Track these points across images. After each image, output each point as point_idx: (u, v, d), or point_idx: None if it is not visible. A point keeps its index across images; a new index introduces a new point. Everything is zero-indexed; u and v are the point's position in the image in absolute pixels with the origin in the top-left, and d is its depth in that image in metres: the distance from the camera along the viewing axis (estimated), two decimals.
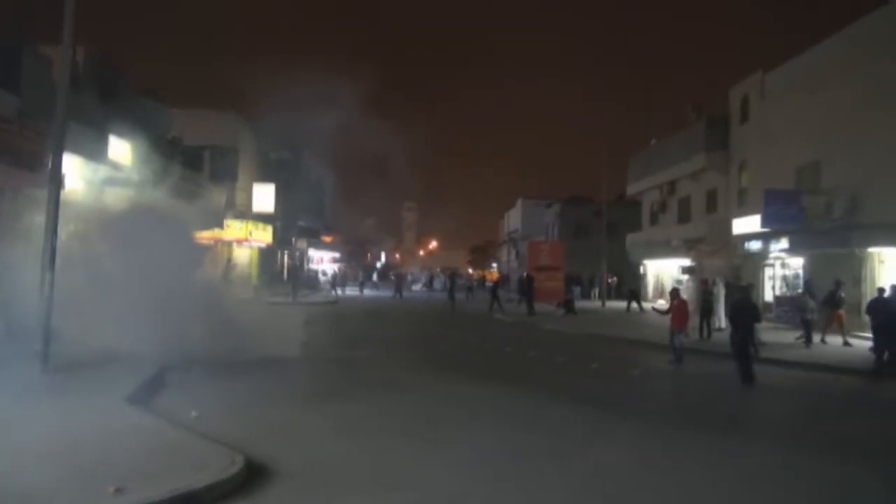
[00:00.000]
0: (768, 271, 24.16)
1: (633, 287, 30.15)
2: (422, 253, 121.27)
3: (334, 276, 35.11)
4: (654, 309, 16.78)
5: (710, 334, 17.34)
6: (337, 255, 53.25)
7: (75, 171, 14.40)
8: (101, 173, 15.35)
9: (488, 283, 50.08)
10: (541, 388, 11.04)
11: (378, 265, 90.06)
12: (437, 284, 50.85)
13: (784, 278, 23.47)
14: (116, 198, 13.78)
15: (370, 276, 46.95)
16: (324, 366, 12.50)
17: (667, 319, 13.98)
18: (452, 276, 37.69)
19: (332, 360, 13.20)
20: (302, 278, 42.32)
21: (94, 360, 10.45)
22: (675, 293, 14.25)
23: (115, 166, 15.20)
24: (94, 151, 14.35)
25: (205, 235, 19.41)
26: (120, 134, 15.46)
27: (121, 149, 15.52)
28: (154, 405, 8.61)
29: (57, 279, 10.95)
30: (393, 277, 46.50)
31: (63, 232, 11.97)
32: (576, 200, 48.65)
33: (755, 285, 20.22)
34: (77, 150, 13.44)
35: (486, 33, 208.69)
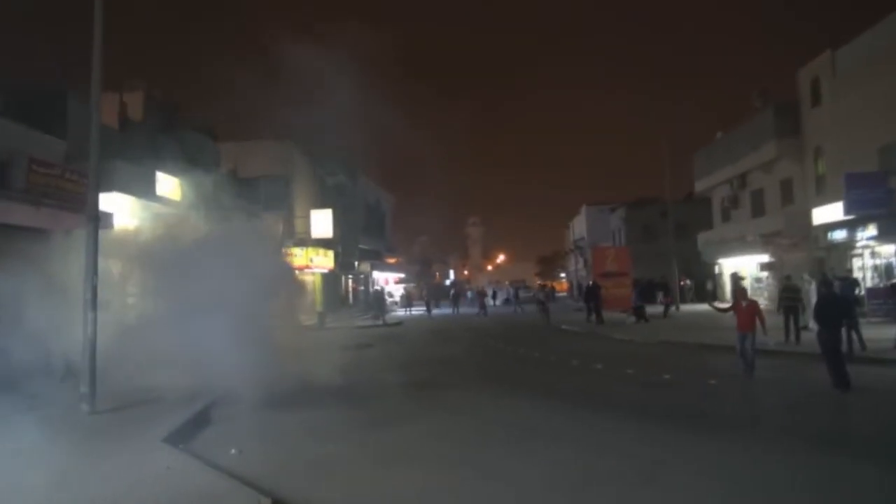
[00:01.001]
0: (857, 262, 22.40)
1: (667, 284, 28.71)
2: (490, 268, 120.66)
3: (378, 294, 34.94)
4: (712, 306, 15.47)
5: (798, 335, 15.91)
6: (402, 275, 53.23)
7: (127, 209, 14.49)
8: (152, 210, 15.43)
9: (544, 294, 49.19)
10: (608, 404, 10.23)
11: (447, 282, 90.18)
12: (500, 297, 50.18)
13: (875, 268, 21.67)
14: (170, 231, 13.73)
15: (437, 294, 46.49)
16: (378, 391, 12.00)
17: (732, 319, 12.75)
18: (517, 288, 37.26)
19: (388, 384, 12.68)
20: (367, 300, 42.48)
21: (145, 398, 10.27)
22: (741, 293, 13.04)
23: (165, 202, 15.27)
24: (142, 189, 14.43)
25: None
26: (167, 170, 15.55)
27: (168, 184, 15.62)
28: (195, 443, 8.29)
29: (109, 316, 10.92)
30: (473, 293, 45.94)
31: (115, 268, 12.04)
32: (641, 203, 47.24)
33: (857, 279, 18.57)
34: (125, 189, 13.50)
35: (535, 38, 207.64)
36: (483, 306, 38.27)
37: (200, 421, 9.53)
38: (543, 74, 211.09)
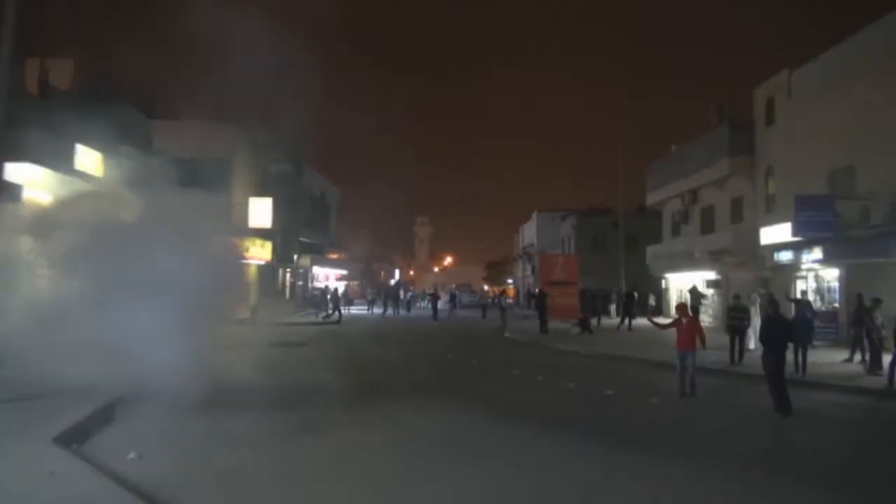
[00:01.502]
0: (801, 283, 22.88)
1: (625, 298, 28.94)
2: (436, 269, 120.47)
3: (333, 293, 34.24)
4: (650, 321, 15.40)
5: (741, 356, 16.01)
6: (344, 272, 52.42)
7: (41, 182, 13.55)
8: (71, 185, 14.50)
9: (505, 300, 49.02)
10: (547, 419, 9.99)
11: (392, 282, 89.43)
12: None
13: (818, 291, 22.17)
14: (86, 207, 12.86)
15: (382, 293, 45.86)
16: (306, 395, 11.44)
17: (671, 336, 12.69)
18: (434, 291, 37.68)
19: (318, 388, 12.14)
20: (305, 297, 41.64)
21: (43, 390, 9.51)
22: (682, 308, 13.00)
23: (84, 177, 14.38)
24: (59, 161, 13.53)
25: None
26: (90, 143, 14.65)
27: (90, 159, 14.72)
28: (91, 444, 7.65)
29: (13, 298, 10.18)
30: (408, 294, 45.46)
31: (23, 245, 11.21)
32: (593, 212, 47.60)
33: (808, 300, 18.82)
34: (38, 160, 12.62)
35: (495, 39, 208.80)
36: (435, 310, 37.77)
37: (102, 418, 8.86)
38: (501, 72, 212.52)
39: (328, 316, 31.89)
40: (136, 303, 10.54)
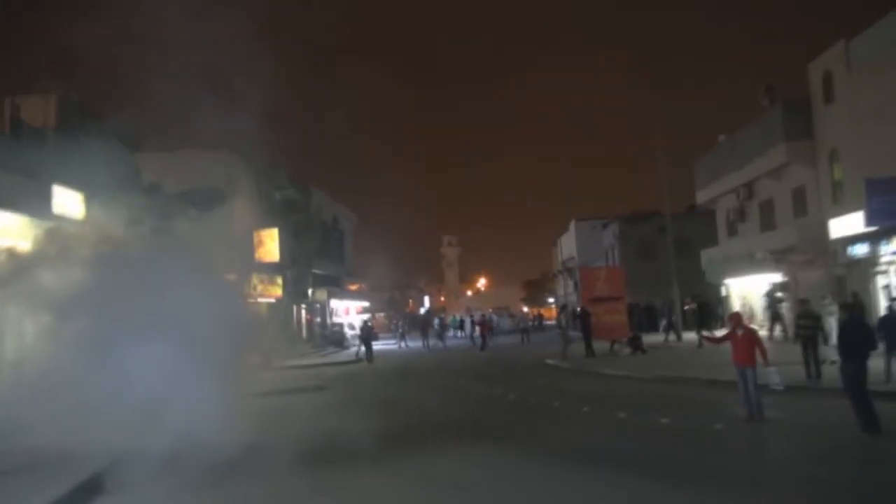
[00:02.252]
0: (881, 280, 22.10)
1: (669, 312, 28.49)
2: (469, 293, 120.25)
3: (363, 327, 33.96)
4: (702, 336, 14.85)
5: (819, 370, 15.35)
6: (366, 303, 52.46)
7: (17, 229, 13.60)
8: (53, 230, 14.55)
9: (529, 322, 48.53)
10: (595, 457, 9.66)
11: (422, 311, 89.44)
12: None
13: None
14: (66, 251, 12.90)
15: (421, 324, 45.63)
16: (325, 450, 11.19)
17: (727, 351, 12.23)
18: (482, 316, 37.04)
19: (338, 442, 11.88)
20: (324, 335, 41.62)
21: (26, 461, 9.41)
22: (736, 318, 12.51)
23: (64, 220, 14.41)
24: (34, 205, 13.58)
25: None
26: (69, 184, 14.73)
27: (70, 200, 14.78)
28: None
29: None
30: (438, 322, 45.15)
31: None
32: (637, 217, 47.07)
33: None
34: (10, 205, 12.66)
35: (522, 36, 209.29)
36: (484, 339, 36.64)
37: (89, 491, 8.66)
38: (527, 78, 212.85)
39: (361, 354, 31.60)
40: (132, 355, 10.53)
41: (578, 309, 29.55)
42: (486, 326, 37.63)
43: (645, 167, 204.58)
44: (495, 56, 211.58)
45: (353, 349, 38.11)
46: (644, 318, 29.24)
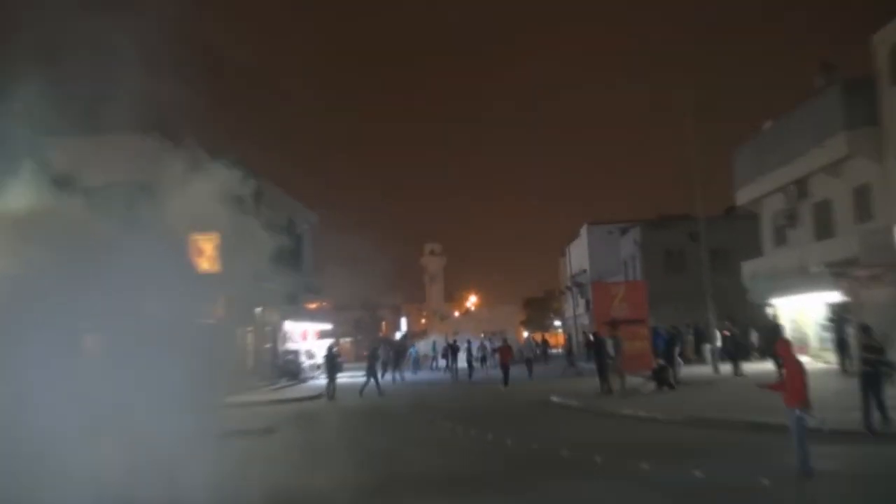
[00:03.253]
0: None
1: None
2: (457, 314, 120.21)
3: (329, 356, 33.69)
4: (765, 386, 14.26)
5: (884, 414, 15.17)
6: (328, 325, 52.24)
7: None
8: None
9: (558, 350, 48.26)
10: None
11: (398, 335, 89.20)
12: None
13: None
14: None
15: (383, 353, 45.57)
16: None
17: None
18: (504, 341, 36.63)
19: None
20: (275, 364, 41.33)
21: None
22: (784, 347, 12.37)
23: None
24: None
25: None
26: None
27: None
28: None
29: None
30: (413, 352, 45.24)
31: None
32: (663, 221, 47.24)
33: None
34: None
35: (519, 5, 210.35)
36: (506, 373, 34.56)
37: None
38: (526, 52, 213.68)
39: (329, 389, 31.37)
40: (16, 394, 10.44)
41: (591, 335, 29.46)
42: (508, 353, 35.83)
43: (673, 160, 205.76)
44: (489, 32, 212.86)
45: (315, 382, 37.90)
46: (677, 344, 29.07)
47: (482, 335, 64.04)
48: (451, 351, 43.89)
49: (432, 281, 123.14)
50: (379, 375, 39.81)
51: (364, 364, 46.24)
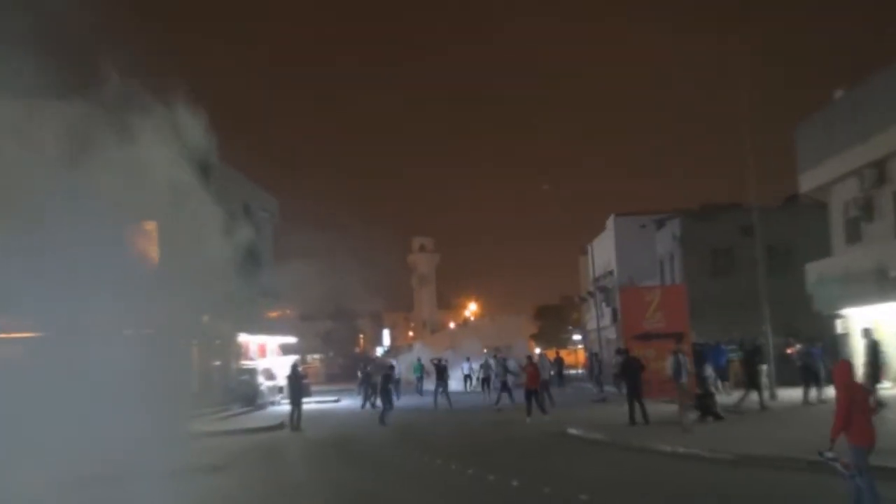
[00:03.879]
0: None
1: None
2: (452, 325, 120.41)
3: (292, 375, 33.59)
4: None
5: None
6: (291, 339, 52.25)
7: None
8: None
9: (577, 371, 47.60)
10: None
11: (378, 351, 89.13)
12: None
13: None
14: None
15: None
16: None
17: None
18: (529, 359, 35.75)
19: None
20: (227, 386, 41.20)
21: None
22: (843, 372, 12.16)
23: None
24: None
25: None
26: None
27: None
28: None
29: None
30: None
31: None
32: (709, 212, 47.14)
33: None
34: None
35: None
36: (538, 394, 34.79)
37: None
38: (529, 24, 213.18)
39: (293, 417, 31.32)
40: None
41: (619, 349, 29.43)
42: (535, 374, 34.77)
43: (719, 139, 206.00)
44: None
45: (275, 408, 37.76)
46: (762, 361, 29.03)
47: (485, 351, 63.99)
48: (438, 372, 43.07)
49: (422, 283, 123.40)
50: (372, 398, 39.96)
51: (340, 385, 46.28)
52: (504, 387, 37.92)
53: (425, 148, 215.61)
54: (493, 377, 44.44)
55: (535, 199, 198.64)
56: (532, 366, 34.00)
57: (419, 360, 54.80)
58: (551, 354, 62.58)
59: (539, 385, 32.81)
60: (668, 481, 16.55)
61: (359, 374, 47.62)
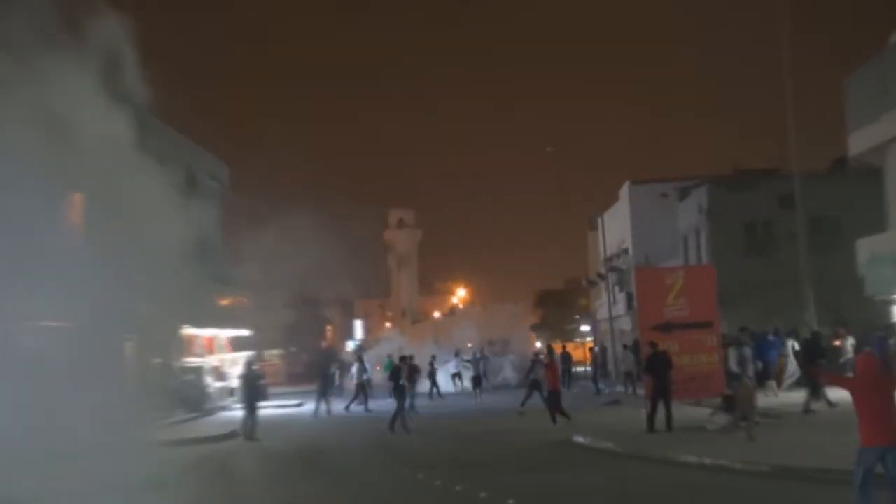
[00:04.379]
0: None
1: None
2: (437, 314, 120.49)
3: (247, 375, 33.50)
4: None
5: None
6: (246, 332, 52.13)
7: None
8: None
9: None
10: None
11: (350, 345, 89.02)
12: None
13: None
14: None
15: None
16: None
17: None
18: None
19: None
20: (171, 388, 41.12)
21: None
22: (866, 364, 12.32)
23: None
24: None
25: None
26: None
27: None
28: None
29: None
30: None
31: None
32: (741, 179, 47.15)
33: None
34: None
35: None
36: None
37: None
38: None
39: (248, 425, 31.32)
40: None
41: (632, 343, 29.42)
42: (556, 372, 34.31)
43: (756, 94, 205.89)
44: None
45: (226, 414, 37.69)
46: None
47: (469, 345, 63.77)
48: (409, 373, 41.03)
49: (401, 265, 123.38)
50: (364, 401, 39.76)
51: (304, 387, 46.12)
52: (534, 385, 37.04)
53: (406, 102, 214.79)
54: (482, 375, 44.51)
55: (537, 164, 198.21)
56: (554, 362, 34.20)
57: (390, 356, 53.58)
58: (557, 349, 62.69)
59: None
60: (690, 492, 16.75)
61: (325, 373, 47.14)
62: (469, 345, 65.70)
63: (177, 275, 40.71)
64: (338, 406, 42.18)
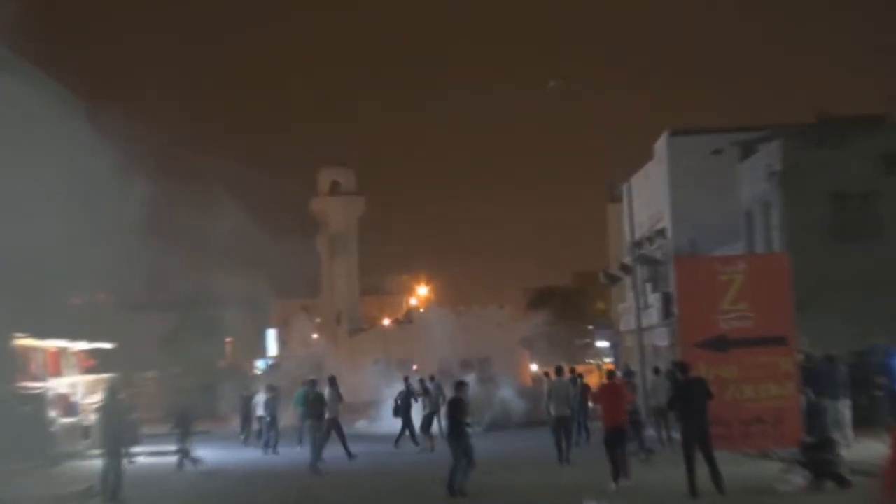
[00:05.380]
0: None
1: None
2: (386, 321, 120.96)
3: (105, 408, 33.42)
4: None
5: None
6: (108, 345, 52.28)
7: None
8: None
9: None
10: None
11: (259, 364, 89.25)
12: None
13: None
14: None
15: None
16: None
17: None
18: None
19: None
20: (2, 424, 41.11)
21: None
22: None
23: None
24: None
25: None
26: None
27: None
28: None
29: None
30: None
31: None
32: (829, 129, 47.23)
33: None
34: None
35: None
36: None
37: None
38: None
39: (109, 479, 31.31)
40: None
41: (673, 364, 29.65)
42: (621, 401, 33.43)
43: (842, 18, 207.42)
44: None
45: (77, 463, 37.56)
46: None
47: (415, 368, 63.51)
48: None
49: (335, 250, 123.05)
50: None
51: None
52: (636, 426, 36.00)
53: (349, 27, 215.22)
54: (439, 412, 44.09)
55: (536, 110, 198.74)
56: (615, 386, 32.38)
57: (309, 382, 50.27)
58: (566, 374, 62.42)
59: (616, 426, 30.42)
60: None
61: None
62: (414, 367, 65.55)
63: (7, 264, 40.69)
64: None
